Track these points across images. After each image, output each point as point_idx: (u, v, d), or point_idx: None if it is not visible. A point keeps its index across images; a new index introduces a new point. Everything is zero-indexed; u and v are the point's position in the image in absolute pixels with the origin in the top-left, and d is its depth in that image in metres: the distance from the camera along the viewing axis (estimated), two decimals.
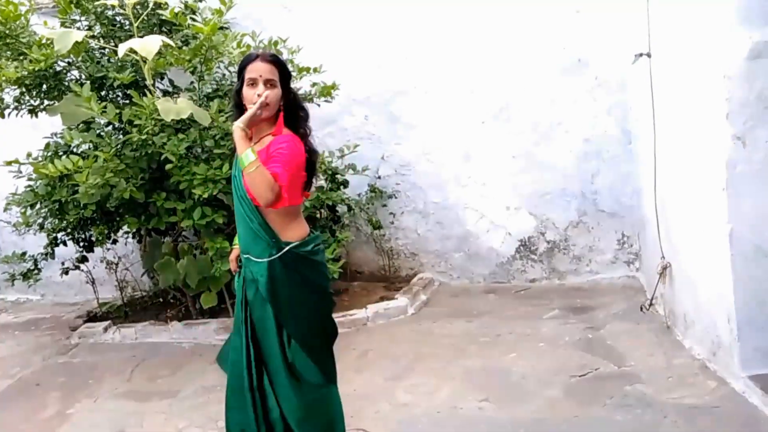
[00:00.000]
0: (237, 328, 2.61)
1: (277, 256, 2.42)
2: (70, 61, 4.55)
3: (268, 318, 2.48)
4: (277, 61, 2.45)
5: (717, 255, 3.26)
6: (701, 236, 3.47)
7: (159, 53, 4.00)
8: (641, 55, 4.12)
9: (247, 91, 2.41)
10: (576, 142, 5.17)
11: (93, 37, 4.50)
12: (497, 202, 5.41)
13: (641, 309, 4.34)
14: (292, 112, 2.50)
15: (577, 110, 5.11)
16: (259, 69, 2.39)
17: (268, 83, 2.40)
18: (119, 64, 4.48)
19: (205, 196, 4.11)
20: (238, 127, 2.33)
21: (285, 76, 2.47)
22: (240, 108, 2.46)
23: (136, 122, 4.04)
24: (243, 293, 2.56)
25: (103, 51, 4.68)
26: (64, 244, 5.00)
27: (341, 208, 5.32)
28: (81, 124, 4.32)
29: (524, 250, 5.42)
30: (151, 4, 4.31)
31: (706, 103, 3.28)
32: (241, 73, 2.45)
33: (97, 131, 4.37)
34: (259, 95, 2.36)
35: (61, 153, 4.46)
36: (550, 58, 5.08)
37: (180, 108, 3.87)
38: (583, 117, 5.12)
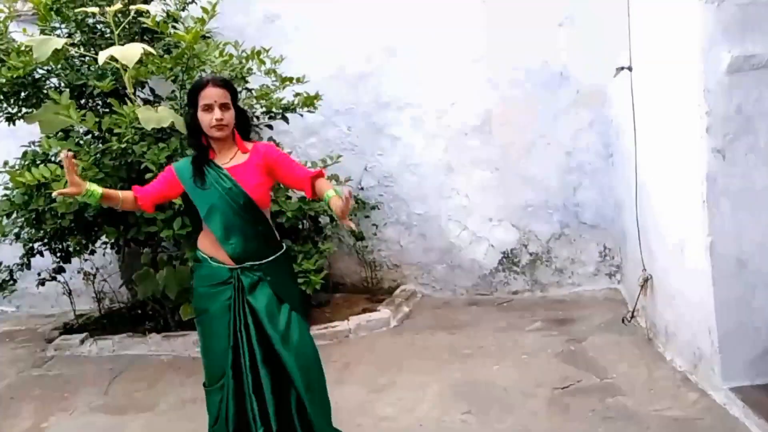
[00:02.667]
0: (219, 341, 2.64)
1: (284, 249, 2.76)
2: (50, 68, 4.50)
3: (274, 304, 2.64)
4: (227, 85, 2.61)
5: (697, 267, 3.28)
6: (682, 249, 3.49)
7: (140, 61, 3.97)
8: (622, 68, 4.16)
9: (203, 116, 2.56)
10: (558, 155, 5.19)
11: (73, 44, 4.45)
12: (480, 214, 5.41)
13: (623, 321, 4.35)
14: (243, 126, 2.71)
15: (559, 123, 5.15)
16: (212, 95, 2.54)
17: (223, 107, 2.55)
18: (99, 72, 4.44)
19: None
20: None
21: (234, 96, 2.64)
22: (197, 132, 2.62)
23: (116, 131, 4.00)
24: (239, 303, 2.61)
25: (83, 59, 4.63)
26: (41, 254, 4.91)
27: (323, 219, 5.29)
28: (59, 133, 4.27)
29: (507, 262, 5.43)
30: (132, 12, 4.28)
31: (686, 117, 3.31)
32: (193, 98, 2.58)
33: (76, 140, 4.31)
34: (217, 119, 2.53)
35: (38, 161, 4.38)
36: (532, 71, 5.11)
37: (161, 117, 3.85)
38: (564, 130, 5.15)
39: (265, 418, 2.59)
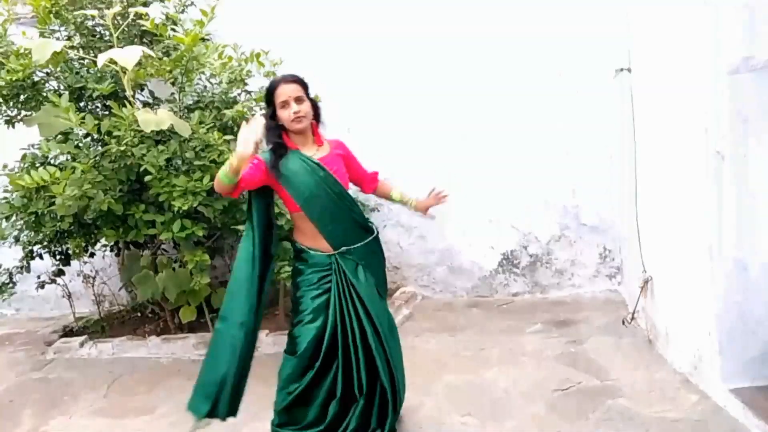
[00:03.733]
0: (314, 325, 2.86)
1: (376, 233, 3.02)
2: (49, 71, 4.49)
3: (372, 287, 2.92)
4: (298, 80, 2.82)
5: (698, 268, 3.28)
6: (682, 250, 3.49)
7: (139, 64, 3.97)
8: (622, 69, 4.16)
9: (282, 113, 2.77)
10: (557, 156, 5.19)
11: (72, 47, 4.44)
12: (480, 216, 5.41)
13: (623, 323, 4.35)
14: (316, 116, 2.93)
15: (558, 124, 5.14)
16: (286, 91, 2.76)
17: (298, 100, 2.77)
18: (98, 74, 4.43)
19: (185, 208, 4.05)
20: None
21: (306, 89, 2.86)
22: (278, 129, 2.82)
23: (115, 133, 3.99)
24: (342, 286, 2.84)
25: (82, 61, 4.62)
26: (40, 257, 4.90)
27: None
28: (59, 135, 4.26)
29: (507, 264, 5.42)
30: (131, 15, 4.28)
31: (686, 118, 3.32)
32: (269, 98, 2.80)
33: (75, 142, 4.29)
34: (295, 112, 2.74)
35: (38, 164, 4.37)
36: (531, 72, 5.11)
37: (160, 119, 3.84)
38: (564, 131, 5.15)
39: (373, 387, 2.91)
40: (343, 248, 2.86)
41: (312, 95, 4.74)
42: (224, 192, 2.75)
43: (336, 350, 2.87)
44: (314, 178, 2.80)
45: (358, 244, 2.89)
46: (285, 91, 2.74)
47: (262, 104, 4.70)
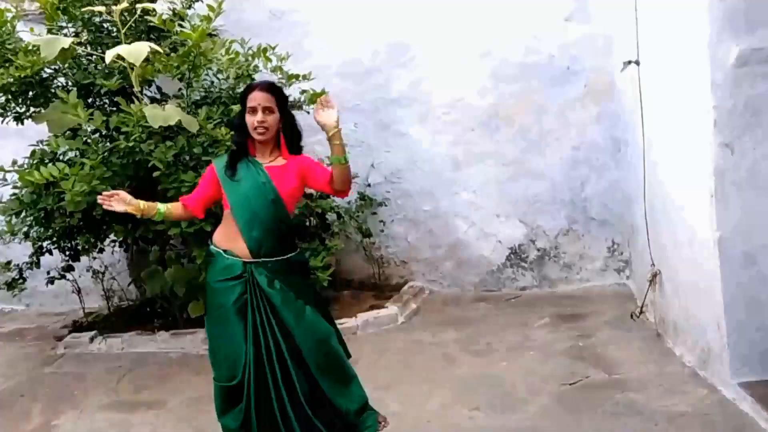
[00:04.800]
0: (234, 336, 2.69)
1: (297, 252, 2.85)
2: (57, 67, 4.52)
3: (290, 299, 2.72)
4: (273, 90, 2.75)
5: (706, 262, 3.26)
6: (690, 243, 3.47)
7: (147, 60, 3.98)
8: (630, 62, 4.14)
9: (248, 118, 2.71)
10: (565, 150, 5.18)
11: (80, 43, 4.47)
12: (487, 210, 5.40)
13: (632, 316, 4.34)
14: (291, 133, 2.82)
15: (567, 118, 5.13)
16: (257, 98, 2.69)
17: (267, 110, 2.69)
18: (106, 71, 4.45)
19: None
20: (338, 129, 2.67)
21: (282, 101, 2.77)
22: (244, 132, 2.75)
23: (124, 129, 4.01)
24: (256, 298, 2.68)
25: (90, 58, 4.64)
26: (50, 253, 4.93)
27: (330, 216, 5.29)
28: (67, 132, 4.29)
29: (514, 257, 5.42)
30: (138, 11, 4.29)
31: (694, 111, 3.29)
32: (243, 100, 2.75)
33: (84, 138, 4.32)
34: (259, 121, 2.67)
35: (47, 160, 4.40)
36: (539, 65, 5.09)
37: (168, 115, 3.85)
38: (572, 125, 5.13)
39: (299, 408, 2.66)
40: (260, 259, 2.69)
41: (318, 90, 4.84)
42: (186, 220, 2.93)
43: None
44: (254, 182, 2.71)
45: (276, 258, 2.71)
46: (256, 98, 2.69)
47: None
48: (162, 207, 2.83)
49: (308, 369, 2.70)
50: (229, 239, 2.73)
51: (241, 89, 4.77)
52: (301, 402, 2.66)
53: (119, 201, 2.76)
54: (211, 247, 2.81)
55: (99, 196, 2.80)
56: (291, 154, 2.80)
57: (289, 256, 2.77)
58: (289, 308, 2.70)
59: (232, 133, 2.89)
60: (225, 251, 2.73)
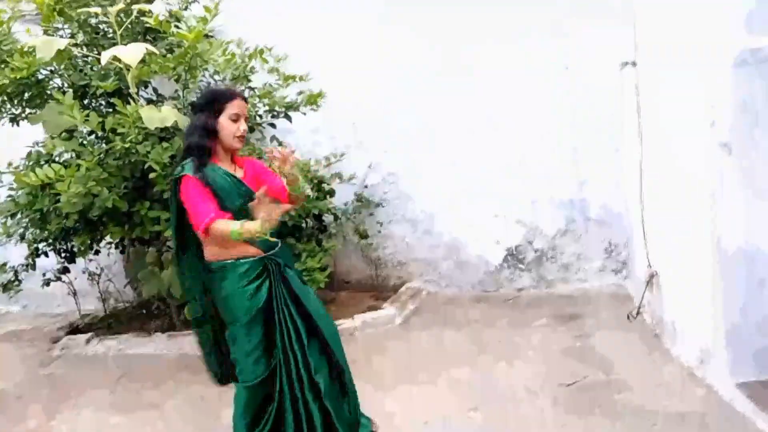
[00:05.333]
0: (268, 333, 2.77)
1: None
2: (53, 69, 4.50)
3: (302, 284, 2.91)
4: (247, 100, 2.81)
5: (704, 262, 3.26)
6: (688, 244, 3.47)
7: (143, 61, 3.97)
8: (627, 63, 4.14)
9: (229, 125, 2.69)
10: (563, 150, 5.17)
11: (76, 45, 4.45)
12: (485, 210, 5.40)
13: (629, 317, 4.34)
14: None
15: (565, 118, 5.12)
16: (241, 107, 2.71)
17: (246, 119, 2.75)
18: (102, 72, 4.43)
19: None
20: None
21: None
22: (210, 133, 2.68)
23: (120, 130, 3.99)
24: (279, 287, 2.77)
25: (86, 59, 4.62)
26: (46, 254, 4.92)
27: (328, 217, 5.28)
28: (63, 133, 4.26)
29: (512, 258, 5.41)
30: (135, 12, 4.27)
31: (692, 111, 3.29)
32: (218, 105, 2.68)
33: (80, 140, 4.31)
34: (244, 130, 2.71)
35: (42, 162, 4.39)
36: (537, 66, 5.08)
37: (164, 116, 3.84)
38: (570, 125, 5.13)
39: (317, 392, 2.79)
40: (271, 252, 2.78)
41: (316, 91, 4.84)
42: (217, 239, 2.62)
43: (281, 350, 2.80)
44: (238, 193, 2.72)
45: (278, 247, 2.82)
46: (240, 105, 2.69)
47: (266, 100, 4.75)
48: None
49: (327, 346, 2.83)
50: (237, 246, 2.67)
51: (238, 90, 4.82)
52: (317, 384, 2.79)
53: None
54: (215, 263, 2.73)
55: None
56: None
57: (282, 244, 2.87)
58: (303, 292, 2.85)
59: (197, 136, 2.70)
60: (237, 259, 2.70)
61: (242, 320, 2.73)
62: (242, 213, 2.62)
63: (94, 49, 4.54)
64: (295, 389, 2.77)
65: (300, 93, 4.87)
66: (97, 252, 5.04)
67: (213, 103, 2.70)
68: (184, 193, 2.64)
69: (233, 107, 2.68)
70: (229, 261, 2.71)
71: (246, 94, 4.81)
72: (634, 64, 4.07)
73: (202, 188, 2.62)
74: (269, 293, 2.75)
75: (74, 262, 5.09)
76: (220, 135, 2.70)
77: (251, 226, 2.47)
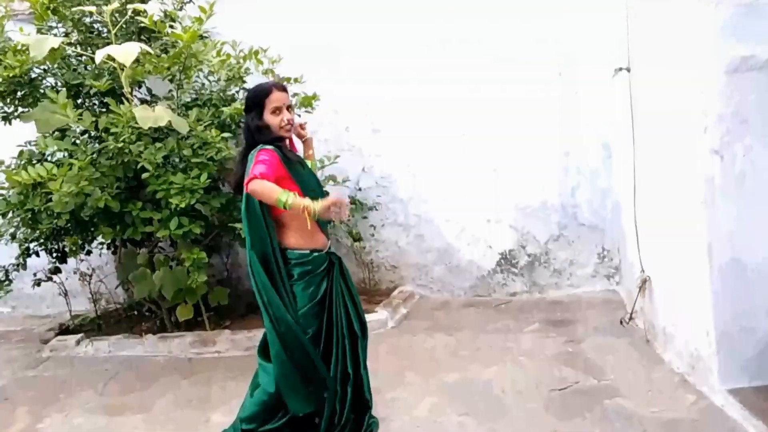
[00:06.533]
0: (316, 313, 2.85)
1: None
2: (46, 68, 4.49)
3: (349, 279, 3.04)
4: (286, 89, 2.87)
5: (696, 268, 3.27)
6: (680, 250, 3.48)
7: (137, 61, 3.96)
8: (621, 69, 4.16)
9: (272, 118, 2.77)
10: (556, 156, 5.19)
11: (70, 44, 4.44)
12: (478, 215, 5.40)
13: (621, 323, 4.34)
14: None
15: (558, 124, 5.14)
16: (280, 98, 2.78)
17: (289, 108, 2.82)
18: (96, 71, 4.42)
19: (182, 205, 4.05)
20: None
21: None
22: (259, 131, 2.78)
23: (113, 130, 3.99)
24: (335, 274, 2.90)
25: (80, 58, 4.61)
26: (37, 254, 4.89)
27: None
28: (56, 132, 4.26)
29: (505, 263, 5.42)
30: (129, 12, 4.27)
31: (684, 118, 3.31)
32: (259, 101, 2.79)
33: (73, 139, 4.29)
34: (288, 119, 2.79)
35: (34, 161, 4.36)
36: (531, 71, 5.09)
37: (158, 116, 3.84)
38: (563, 131, 5.14)
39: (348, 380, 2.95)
40: (330, 246, 2.94)
41: (310, 94, 4.83)
42: (263, 198, 2.60)
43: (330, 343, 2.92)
44: (312, 174, 2.93)
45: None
46: (278, 98, 2.77)
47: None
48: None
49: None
50: (310, 234, 2.78)
51: (232, 91, 4.82)
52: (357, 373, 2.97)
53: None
54: (294, 252, 2.79)
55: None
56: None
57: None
58: (352, 287, 2.99)
59: (256, 135, 2.78)
60: (312, 251, 2.82)
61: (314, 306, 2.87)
62: (317, 193, 2.78)
63: (88, 48, 4.53)
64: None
65: (294, 95, 4.86)
66: (88, 252, 5.02)
67: (254, 102, 2.80)
68: (256, 158, 2.67)
69: (272, 101, 2.76)
70: (306, 250, 2.83)
71: (240, 95, 4.81)
72: (628, 69, 4.09)
73: (273, 159, 2.67)
74: (332, 289, 2.89)
75: (66, 262, 5.06)
76: (270, 129, 2.79)
77: (306, 201, 2.52)
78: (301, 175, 2.81)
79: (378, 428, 3.13)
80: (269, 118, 2.77)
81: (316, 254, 2.83)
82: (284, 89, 2.83)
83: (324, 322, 2.86)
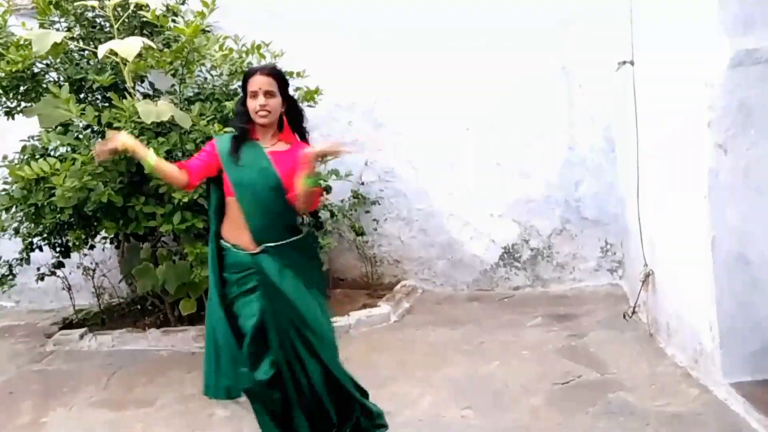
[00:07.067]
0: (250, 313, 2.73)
1: (303, 234, 2.86)
2: (49, 62, 4.48)
3: (300, 286, 2.77)
4: (274, 74, 2.73)
5: (699, 263, 3.26)
6: (683, 244, 3.48)
7: (139, 55, 3.96)
8: (624, 63, 4.14)
9: (250, 102, 2.71)
10: (560, 150, 5.18)
11: (72, 38, 4.43)
12: (481, 209, 5.39)
13: (624, 317, 4.34)
14: (293, 116, 2.84)
15: (561, 118, 5.13)
16: (258, 82, 2.68)
17: (268, 94, 2.68)
18: (99, 66, 4.41)
19: (185, 200, 4.05)
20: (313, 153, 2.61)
21: (283, 85, 2.75)
22: (245, 117, 2.75)
23: (116, 125, 3.98)
24: (266, 286, 2.70)
25: (82, 53, 4.61)
26: (40, 249, 4.89)
27: (324, 214, 5.27)
28: (58, 127, 4.25)
29: (508, 257, 5.41)
30: (132, 6, 4.26)
31: (688, 112, 3.30)
32: (244, 85, 2.74)
33: (75, 134, 4.29)
34: (261, 105, 2.67)
35: (37, 156, 4.36)
36: (534, 65, 5.08)
37: (160, 111, 3.83)
38: (566, 125, 5.13)
39: (312, 391, 2.75)
40: (264, 245, 2.71)
41: (313, 88, 4.81)
42: (176, 184, 2.84)
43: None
44: (257, 166, 2.71)
45: (281, 242, 2.73)
46: (257, 82, 2.68)
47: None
48: (154, 158, 2.72)
49: (320, 358, 2.76)
50: (235, 231, 2.73)
51: (235, 86, 4.81)
52: (313, 386, 2.75)
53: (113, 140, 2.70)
54: (221, 242, 2.79)
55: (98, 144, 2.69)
56: (301, 139, 2.84)
57: (292, 240, 2.77)
58: (302, 298, 2.75)
59: (233, 120, 2.85)
60: (233, 245, 2.73)
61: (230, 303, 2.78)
62: (254, 188, 2.69)
63: (91, 42, 4.52)
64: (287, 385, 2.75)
65: (297, 89, 4.85)
66: (92, 247, 5.02)
67: (243, 84, 2.77)
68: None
69: (251, 84, 2.69)
70: (229, 244, 2.76)
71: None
72: (632, 63, 4.07)
73: (206, 150, 2.80)
74: (257, 295, 2.72)
75: (69, 256, 5.06)
76: (248, 114, 2.74)
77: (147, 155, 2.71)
78: (238, 175, 2.70)
79: (383, 419, 3.02)
80: (248, 102, 2.72)
81: (236, 251, 2.73)
82: (269, 74, 2.71)
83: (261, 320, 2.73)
